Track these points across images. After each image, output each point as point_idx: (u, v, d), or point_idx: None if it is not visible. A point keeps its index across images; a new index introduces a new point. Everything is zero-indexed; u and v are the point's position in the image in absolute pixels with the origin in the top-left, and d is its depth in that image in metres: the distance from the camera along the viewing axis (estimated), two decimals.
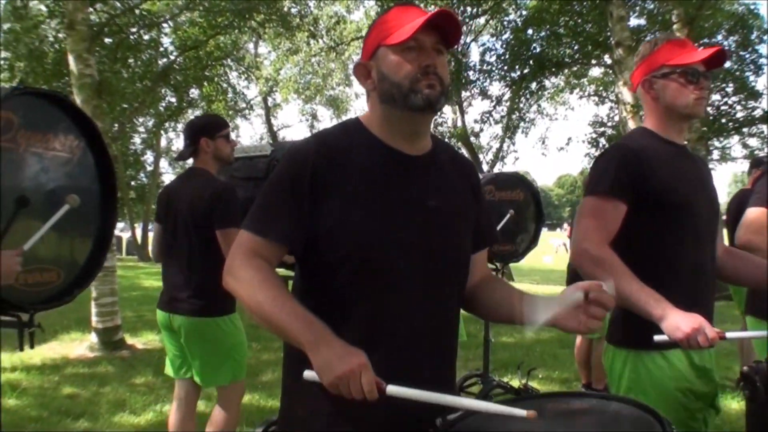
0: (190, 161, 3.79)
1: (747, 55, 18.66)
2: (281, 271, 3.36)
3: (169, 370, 3.85)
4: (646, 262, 2.17)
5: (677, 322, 1.95)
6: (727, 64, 18.55)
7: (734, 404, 5.39)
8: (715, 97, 19.21)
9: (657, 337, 2.00)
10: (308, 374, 1.46)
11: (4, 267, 2.35)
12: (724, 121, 19.34)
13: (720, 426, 4.90)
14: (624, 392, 2.23)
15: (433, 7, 17.48)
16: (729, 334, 2.00)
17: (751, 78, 18.90)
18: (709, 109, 18.69)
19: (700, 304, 2.15)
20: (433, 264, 1.63)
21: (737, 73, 18.82)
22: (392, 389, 1.40)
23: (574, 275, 5.08)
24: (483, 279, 1.86)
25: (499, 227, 5.03)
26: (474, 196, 1.82)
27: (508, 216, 5.07)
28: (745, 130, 20.07)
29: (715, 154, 22.43)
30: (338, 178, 1.58)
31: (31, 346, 2.53)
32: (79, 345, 8.17)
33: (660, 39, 2.34)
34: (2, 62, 15.09)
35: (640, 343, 2.18)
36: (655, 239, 2.21)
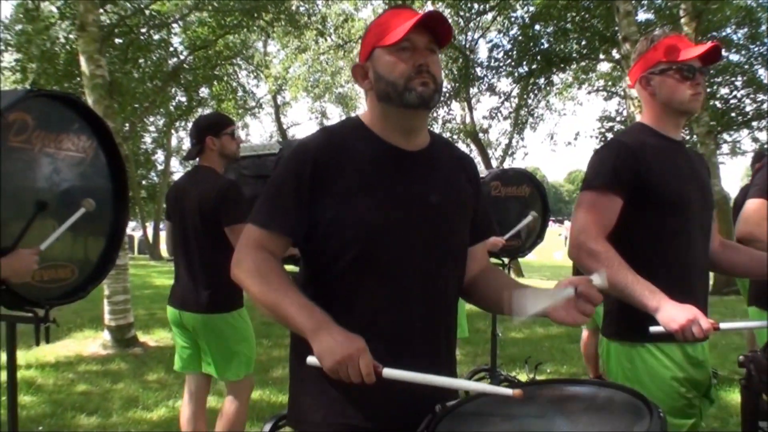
0: (198, 159, 3.86)
1: (756, 49, 18.60)
2: (289, 267, 3.43)
3: (177, 364, 3.91)
4: (641, 254, 2.21)
5: (672, 313, 2.00)
6: (736, 58, 18.52)
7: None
8: (724, 90, 19.17)
9: (653, 329, 2.04)
10: (311, 360, 1.53)
11: (22, 265, 2.43)
12: (733, 114, 19.28)
13: (726, 418, 4.94)
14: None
15: (440, 4, 17.52)
16: (723, 325, 2.04)
17: (760, 71, 18.84)
18: (717, 103, 18.66)
19: (694, 296, 2.19)
20: (431, 256, 1.70)
21: (746, 66, 18.76)
22: (388, 372, 1.47)
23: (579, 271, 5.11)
24: (482, 270, 1.93)
25: (518, 228, 5.09)
26: (472, 190, 1.89)
27: (529, 219, 5.11)
28: (754, 123, 19.99)
29: (725, 148, 22.37)
30: (339, 173, 1.65)
31: (47, 341, 2.60)
32: (92, 343, 8.25)
33: (657, 36, 2.37)
34: (15, 63, 15.23)
35: (635, 336, 2.23)
36: (650, 233, 2.25)
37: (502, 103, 21.73)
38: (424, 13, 1.64)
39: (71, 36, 14.63)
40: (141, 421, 5.16)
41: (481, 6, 18.73)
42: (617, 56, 16.61)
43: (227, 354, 3.67)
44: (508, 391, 1.37)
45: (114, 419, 5.19)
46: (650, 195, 2.22)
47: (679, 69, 2.28)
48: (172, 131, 28.97)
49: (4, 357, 2.66)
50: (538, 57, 18.26)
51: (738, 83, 19.25)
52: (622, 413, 1.41)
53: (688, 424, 2.25)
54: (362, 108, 1.82)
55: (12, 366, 2.61)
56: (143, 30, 16.34)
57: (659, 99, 2.33)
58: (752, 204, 3.03)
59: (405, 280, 1.67)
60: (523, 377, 5.71)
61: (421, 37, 1.67)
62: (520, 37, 18.78)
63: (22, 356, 6.73)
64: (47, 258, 2.66)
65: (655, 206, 2.23)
